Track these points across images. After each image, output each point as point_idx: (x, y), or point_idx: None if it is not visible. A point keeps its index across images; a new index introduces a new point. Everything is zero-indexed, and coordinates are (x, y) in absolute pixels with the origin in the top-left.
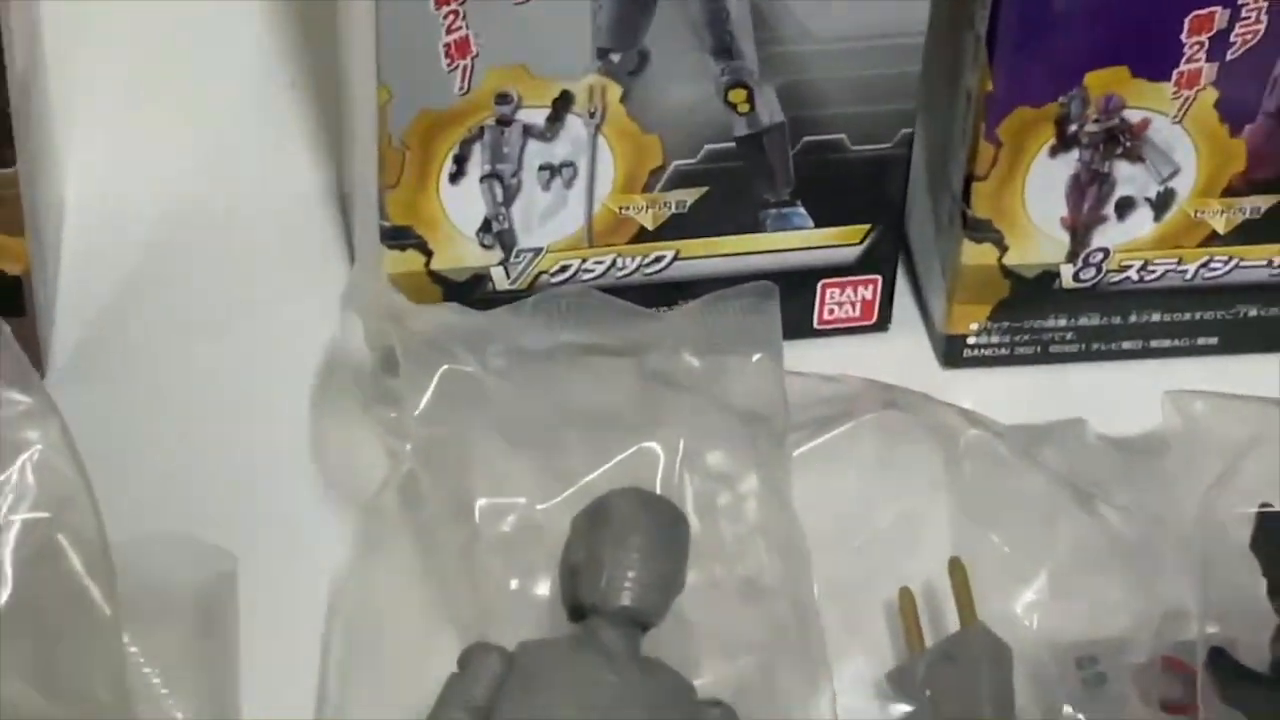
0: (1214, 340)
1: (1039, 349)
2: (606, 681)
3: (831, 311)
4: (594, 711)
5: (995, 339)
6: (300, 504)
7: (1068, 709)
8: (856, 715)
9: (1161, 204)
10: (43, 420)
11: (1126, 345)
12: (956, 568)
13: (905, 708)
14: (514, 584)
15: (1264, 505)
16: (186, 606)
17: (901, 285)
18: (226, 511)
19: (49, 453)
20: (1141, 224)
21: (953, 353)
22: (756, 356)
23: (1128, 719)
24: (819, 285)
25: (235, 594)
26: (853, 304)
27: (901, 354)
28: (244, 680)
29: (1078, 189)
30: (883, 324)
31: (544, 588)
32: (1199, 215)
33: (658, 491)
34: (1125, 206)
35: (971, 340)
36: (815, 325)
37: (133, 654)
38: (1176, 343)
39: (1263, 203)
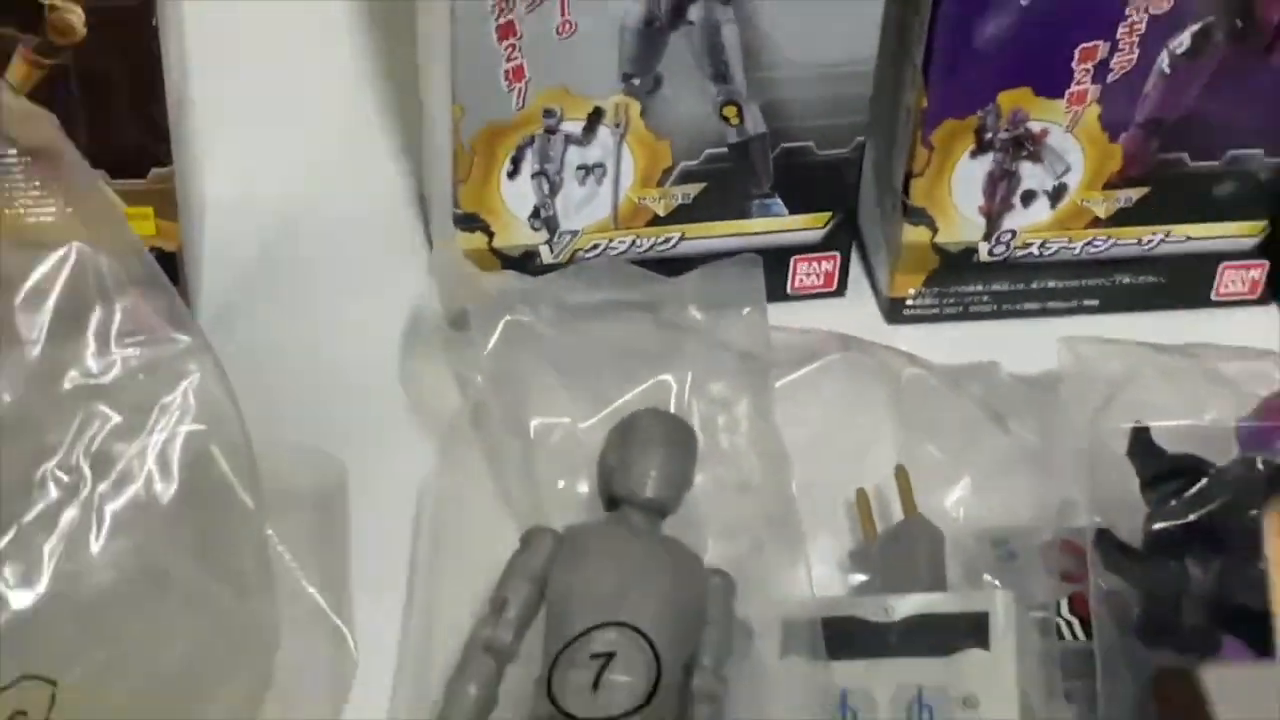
0: (1096, 302)
1: (962, 309)
2: (635, 553)
3: (801, 280)
4: (626, 574)
5: (928, 301)
6: (396, 424)
7: (987, 577)
8: (826, 583)
9: (1056, 195)
10: (200, 355)
11: (1029, 306)
12: (901, 472)
13: (862, 577)
14: (561, 484)
15: (1136, 423)
16: (309, 501)
17: (855, 260)
18: (340, 429)
19: (205, 379)
20: (1041, 211)
21: (895, 312)
22: (746, 310)
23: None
24: (792, 260)
25: (346, 493)
26: (818, 275)
27: (855, 313)
28: (353, 559)
29: (992, 183)
30: (841, 290)
31: (585, 486)
32: (1085, 204)
33: (673, 411)
34: (1028, 197)
35: (909, 302)
36: (788, 291)
37: (270, 536)
38: (1067, 304)
39: (1134, 194)
